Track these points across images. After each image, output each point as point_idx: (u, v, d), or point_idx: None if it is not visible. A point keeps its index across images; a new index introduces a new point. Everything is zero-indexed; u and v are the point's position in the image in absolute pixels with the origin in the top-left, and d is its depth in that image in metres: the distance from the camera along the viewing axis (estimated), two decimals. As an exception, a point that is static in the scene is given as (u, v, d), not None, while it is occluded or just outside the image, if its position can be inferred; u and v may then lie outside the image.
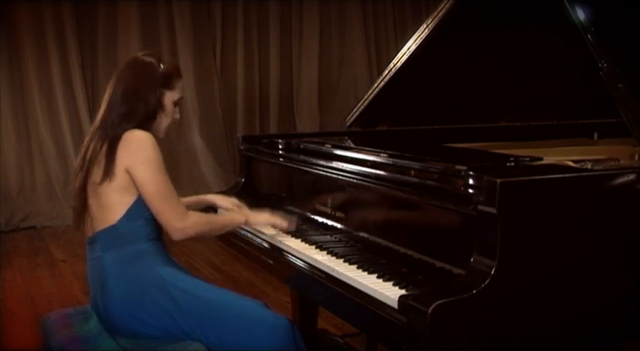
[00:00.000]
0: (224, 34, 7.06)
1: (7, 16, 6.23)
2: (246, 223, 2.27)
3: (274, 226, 2.30)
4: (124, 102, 2.10)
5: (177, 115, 2.23)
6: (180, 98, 2.22)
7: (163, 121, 2.19)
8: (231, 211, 2.42)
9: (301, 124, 7.37)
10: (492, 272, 1.53)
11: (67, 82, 6.46)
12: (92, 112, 6.62)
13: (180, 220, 2.06)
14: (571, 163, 1.88)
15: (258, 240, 2.36)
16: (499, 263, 1.54)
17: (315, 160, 2.35)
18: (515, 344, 1.61)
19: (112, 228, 2.07)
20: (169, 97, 2.17)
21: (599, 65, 1.94)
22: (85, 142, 2.16)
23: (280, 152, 2.66)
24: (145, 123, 2.12)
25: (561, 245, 1.64)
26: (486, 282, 1.53)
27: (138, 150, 2.03)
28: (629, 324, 1.76)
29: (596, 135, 2.90)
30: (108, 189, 2.05)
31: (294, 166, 2.48)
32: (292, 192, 2.59)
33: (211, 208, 2.56)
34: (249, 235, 2.43)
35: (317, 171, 2.31)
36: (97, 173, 2.06)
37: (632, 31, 2.13)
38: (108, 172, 2.03)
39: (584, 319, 1.70)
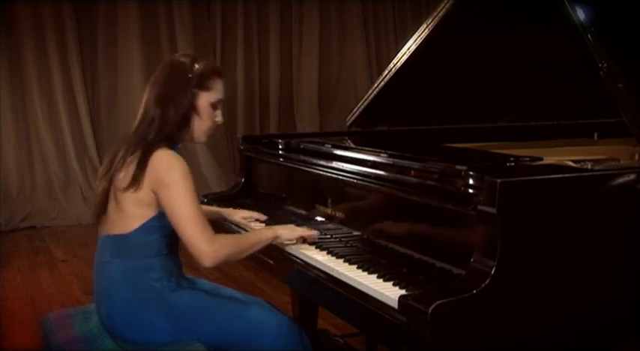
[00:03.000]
0: (224, 34, 7.06)
1: (7, 16, 6.23)
2: (275, 238, 2.12)
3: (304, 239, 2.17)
4: (157, 106, 2.02)
5: (219, 119, 2.12)
6: (220, 101, 2.11)
7: (201, 125, 2.08)
8: (257, 227, 2.31)
9: (301, 124, 7.37)
10: (492, 272, 1.53)
11: (67, 82, 6.46)
12: (92, 112, 6.64)
13: (209, 244, 1.94)
14: (571, 163, 1.88)
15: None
16: (499, 263, 1.54)
17: (315, 160, 2.35)
18: (515, 344, 1.61)
19: (124, 237, 2.01)
20: (205, 98, 2.07)
21: (599, 65, 1.94)
22: (117, 145, 2.09)
23: (280, 152, 2.66)
24: (179, 130, 2.04)
25: (561, 245, 1.64)
26: (486, 282, 1.53)
27: (163, 173, 1.95)
28: (630, 324, 1.76)
29: (596, 135, 2.90)
30: (129, 198, 1.98)
31: (294, 166, 2.48)
32: (292, 192, 2.59)
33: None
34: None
35: (317, 171, 2.31)
36: (122, 180, 1.99)
37: (632, 31, 2.13)
38: (136, 182, 1.96)
39: (585, 319, 1.70)
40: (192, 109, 2.06)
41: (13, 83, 6.31)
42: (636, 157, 2.24)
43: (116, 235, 2.03)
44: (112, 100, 6.72)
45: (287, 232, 2.13)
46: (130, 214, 2.00)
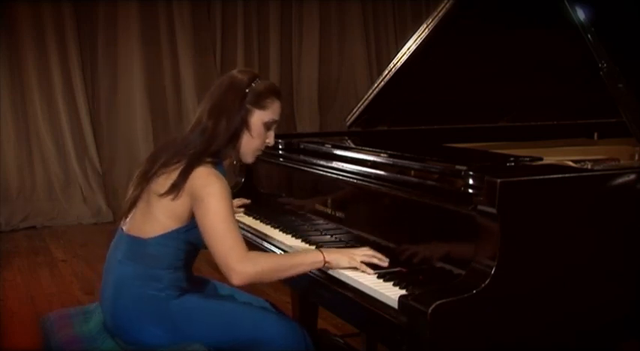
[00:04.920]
0: (224, 34, 7.06)
1: (7, 16, 6.23)
2: (327, 264, 1.91)
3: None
4: (210, 116, 2.00)
5: (270, 140, 2.09)
6: (274, 122, 2.07)
7: (250, 143, 2.06)
8: (306, 249, 2.15)
9: (301, 124, 7.37)
10: (492, 272, 1.53)
11: (67, 82, 6.46)
12: (92, 112, 6.64)
13: (239, 262, 1.86)
14: (571, 163, 1.88)
15: (259, 240, 2.36)
16: (499, 263, 1.54)
17: (315, 160, 2.35)
18: (515, 344, 1.61)
19: (142, 241, 1.99)
20: (259, 116, 2.03)
21: (599, 65, 1.94)
22: (159, 149, 2.06)
23: (280, 152, 2.66)
24: (227, 144, 2.02)
25: (561, 245, 1.64)
26: (486, 282, 1.53)
27: (200, 187, 1.91)
28: (630, 324, 1.76)
29: (596, 135, 2.90)
30: (162, 205, 1.96)
31: (294, 166, 2.48)
32: (292, 192, 2.59)
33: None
34: (249, 235, 2.43)
35: (317, 171, 2.31)
36: (161, 185, 1.96)
37: (632, 31, 2.13)
38: (175, 190, 1.92)
39: (584, 319, 1.70)
40: (244, 124, 2.03)
41: (13, 83, 6.31)
42: (636, 157, 2.24)
43: (135, 236, 2.01)
44: (112, 100, 6.72)
45: (341, 259, 1.91)
46: (156, 220, 1.98)
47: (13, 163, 6.35)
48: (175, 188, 1.93)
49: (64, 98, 6.45)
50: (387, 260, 1.90)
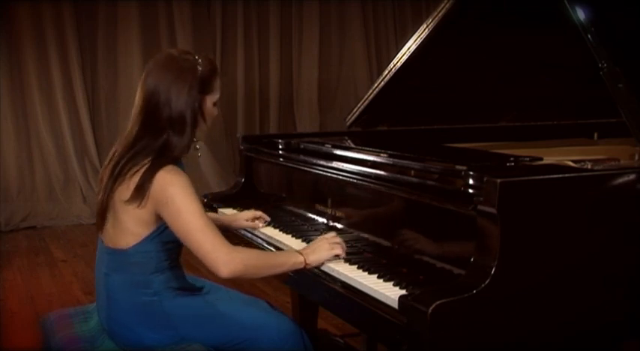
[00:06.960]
0: (224, 34, 7.07)
1: (7, 16, 6.23)
2: (307, 265, 1.94)
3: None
4: (165, 118, 1.92)
5: (216, 112, 2.04)
6: (219, 97, 2.02)
7: (202, 126, 2.00)
8: (288, 250, 2.13)
9: (301, 124, 7.37)
10: (492, 272, 1.53)
11: (67, 82, 6.46)
12: (92, 112, 6.64)
13: (226, 252, 1.84)
14: (571, 163, 1.88)
15: (259, 240, 2.36)
16: (499, 263, 1.54)
17: (315, 160, 2.35)
18: (515, 344, 1.61)
19: (122, 252, 1.96)
20: (209, 100, 1.98)
21: (599, 65, 1.94)
22: (115, 150, 2.00)
23: (280, 152, 2.66)
24: (189, 142, 1.96)
25: (561, 245, 1.64)
26: (486, 282, 1.53)
27: (160, 190, 1.85)
28: (630, 324, 1.76)
29: (596, 135, 2.90)
30: (129, 214, 1.91)
31: (294, 166, 2.48)
32: (292, 192, 2.59)
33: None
34: (249, 235, 2.43)
35: (317, 171, 2.31)
36: (124, 192, 1.89)
37: (632, 31, 2.13)
38: (139, 198, 1.86)
39: (584, 319, 1.70)
40: (200, 114, 1.97)
41: (13, 83, 6.31)
42: (636, 157, 2.24)
43: (114, 249, 1.98)
44: (112, 100, 6.72)
45: (316, 258, 1.94)
46: (127, 230, 1.94)
47: (13, 163, 6.36)
48: (140, 192, 1.86)
49: (64, 98, 6.45)
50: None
